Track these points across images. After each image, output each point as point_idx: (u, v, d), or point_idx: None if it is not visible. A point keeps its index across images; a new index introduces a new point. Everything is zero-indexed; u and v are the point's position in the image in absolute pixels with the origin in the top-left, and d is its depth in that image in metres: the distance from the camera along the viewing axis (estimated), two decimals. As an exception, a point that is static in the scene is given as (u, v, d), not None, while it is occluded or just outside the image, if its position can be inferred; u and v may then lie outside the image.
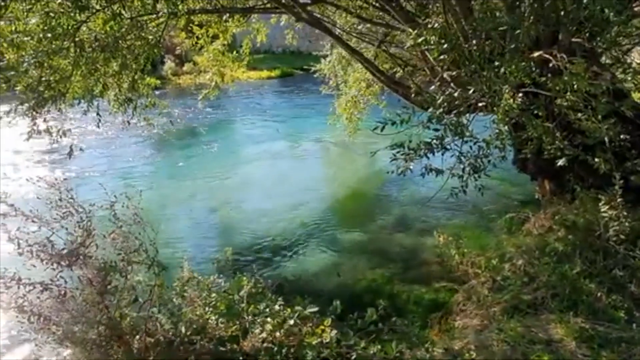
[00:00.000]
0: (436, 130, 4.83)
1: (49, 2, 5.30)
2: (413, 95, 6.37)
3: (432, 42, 5.22)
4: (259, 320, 4.28)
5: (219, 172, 12.23)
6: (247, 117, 18.04)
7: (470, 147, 4.83)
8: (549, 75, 5.10)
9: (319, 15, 8.54)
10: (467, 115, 5.15)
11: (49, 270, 4.13)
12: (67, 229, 4.07)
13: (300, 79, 23.01)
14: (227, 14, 8.66)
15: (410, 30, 5.79)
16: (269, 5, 8.11)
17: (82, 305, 3.93)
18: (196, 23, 8.87)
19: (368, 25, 9.00)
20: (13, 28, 5.17)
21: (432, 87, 6.04)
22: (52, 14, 5.27)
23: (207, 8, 7.95)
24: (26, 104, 5.57)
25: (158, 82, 15.47)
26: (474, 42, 5.19)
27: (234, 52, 9.70)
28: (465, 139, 4.88)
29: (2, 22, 4.97)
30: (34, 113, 5.73)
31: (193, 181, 11.63)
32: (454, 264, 6.86)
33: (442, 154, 4.90)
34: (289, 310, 4.33)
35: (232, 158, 13.57)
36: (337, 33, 8.50)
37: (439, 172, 4.82)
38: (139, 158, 13.55)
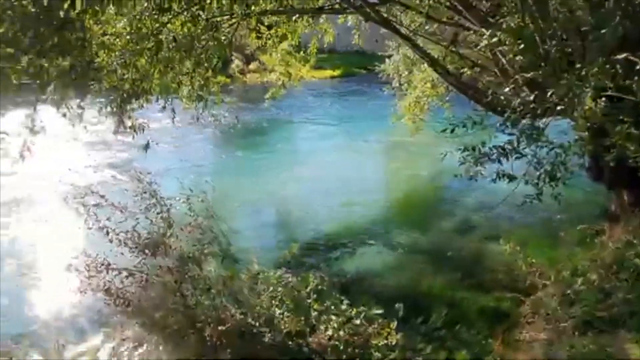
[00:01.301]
0: (509, 134, 4.68)
1: (136, 6, 5.65)
2: (486, 97, 6.20)
3: (506, 42, 5.05)
4: (324, 318, 4.35)
5: (283, 169, 12.49)
6: (309, 116, 18.25)
7: (547, 153, 4.64)
8: (636, 78, 4.79)
9: (386, 15, 8.49)
10: (543, 119, 4.95)
11: (131, 257, 4.45)
12: (150, 220, 4.34)
13: (363, 79, 22.92)
14: (297, 15, 8.81)
15: (484, 30, 5.64)
16: (338, 6, 8.16)
17: (162, 292, 4.18)
18: (266, 24, 9.09)
19: (436, 25, 8.83)
20: (104, 31, 5.56)
21: (505, 89, 5.85)
22: (138, 17, 5.61)
23: (278, 9, 8.12)
24: (114, 101, 5.98)
25: (228, 80, 15.96)
26: (553, 42, 4.97)
27: (301, 52, 9.84)
28: (540, 144, 4.70)
29: (95, 26, 5.35)
30: (120, 109, 6.15)
31: (258, 177, 11.95)
32: (521, 273, 6.59)
33: (515, 159, 4.74)
34: (354, 309, 4.37)
35: (294, 156, 13.81)
36: (404, 33, 8.41)
37: (512, 178, 4.66)
38: (206, 154, 14.11)
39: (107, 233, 4.20)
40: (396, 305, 4.79)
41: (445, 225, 9.01)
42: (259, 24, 9.38)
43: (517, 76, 6.00)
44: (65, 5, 4.02)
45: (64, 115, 4.54)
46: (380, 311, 4.42)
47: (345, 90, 22.50)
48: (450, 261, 7.68)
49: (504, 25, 5.19)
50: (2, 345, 4.50)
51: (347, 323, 4.32)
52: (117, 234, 4.19)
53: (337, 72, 25.17)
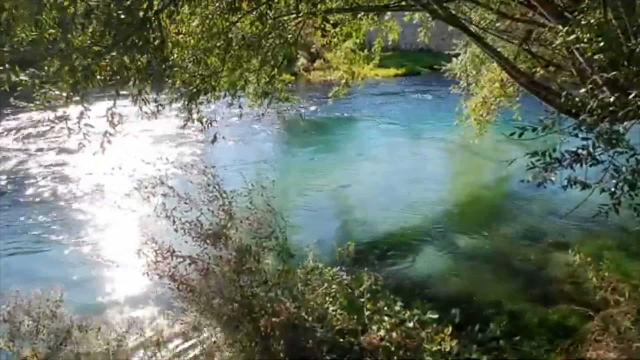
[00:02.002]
0: (584, 139, 4.40)
1: (208, 5, 5.89)
2: (559, 99, 5.86)
3: (585, 39, 4.74)
4: (377, 318, 4.34)
5: (344, 167, 12.55)
6: (372, 114, 18.16)
7: (627, 160, 4.32)
8: None
9: (455, 13, 8.24)
10: (623, 123, 4.60)
11: (194, 246, 4.67)
12: (212, 211, 4.53)
13: (428, 78, 22.48)
14: (362, 13, 8.78)
15: (560, 26, 5.33)
16: (404, 3, 8.04)
17: (221, 282, 4.35)
18: (331, 22, 9.13)
19: (508, 22, 8.46)
20: (178, 30, 5.85)
21: (582, 90, 5.50)
22: (209, 16, 5.85)
23: (344, 7, 8.14)
24: (184, 97, 6.29)
25: (292, 78, 16.23)
26: (638, 40, 4.60)
27: (365, 51, 9.79)
28: (619, 149, 4.38)
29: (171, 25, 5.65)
30: (190, 105, 6.45)
31: (319, 174, 12.10)
32: (591, 287, 6.19)
33: (590, 166, 4.45)
34: (408, 312, 4.31)
35: (356, 154, 13.81)
36: (473, 30, 8.12)
37: (585, 185, 4.38)
38: (269, 150, 14.46)
39: (173, 222, 4.44)
40: (452, 311, 4.67)
41: (510, 232, 8.64)
42: (324, 22, 9.45)
43: (595, 76, 5.62)
44: (144, 6, 4.30)
45: (140, 109, 4.84)
46: (435, 316, 4.33)
47: (409, 89, 22.15)
48: (512, 269, 7.37)
49: (583, 21, 4.89)
50: (77, 319, 4.89)
51: (400, 325, 4.28)
52: (182, 224, 4.43)
53: (401, 71, 24.83)
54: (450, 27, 7.72)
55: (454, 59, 11.20)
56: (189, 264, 4.42)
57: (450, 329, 4.20)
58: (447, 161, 13.76)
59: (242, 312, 4.38)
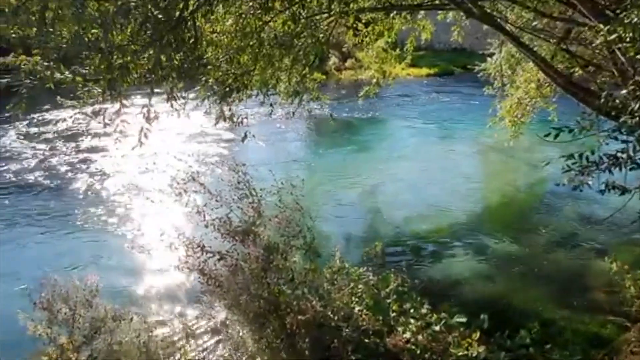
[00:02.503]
0: (624, 141, 4.24)
1: (242, 5, 5.97)
2: (598, 100, 5.66)
3: (627, 39, 4.56)
4: (403, 320, 4.30)
5: (374, 167, 12.50)
6: (403, 115, 18.00)
7: (672, 165, 4.13)
8: None
9: (490, 11, 8.07)
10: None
11: (223, 242, 4.75)
12: (242, 209, 4.60)
13: (460, 78, 22.12)
14: (395, 12, 8.70)
15: (601, 25, 5.15)
16: (438, 2, 7.93)
17: (249, 278, 4.42)
18: (363, 21, 9.10)
19: (546, 20, 8.22)
20: (212, 29, 5.95)
21: (623, 91, 5.30)
22: (243, 16, 5.93)
23: (376, 6, 8.09)
24: (217, 95, 6.40)
25: (323, 77, 16.26)
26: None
27: (397, 50, 9.71)
28: (663, 154, 4.20)
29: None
30: (222, 103, 6.55)
31: (349, 174, 12.08)
32: (628, 296, 5.95)
33: (629, 170, 4.28)
34: (434, 315, 4.26)
35: (387, 154, 13.72)
36: (509, 30, 7.93)
37: (624, 190, 4.22)
38: (299, 149, 14.54)
39: (204, 218, 4.54)
40: (481, 316, 4.58)
41: (543, 236, 8.41)
42: (356, 22, 9.42)
43: (638, 77, 5.41)
44: (180, 6, 4.40)
45: (172, 106, 4.95)
46: (463, 319, 4.26)
47: (442, 89, 21.84)
48: (545, 275, 7.17)
49: (626, 20, 4.70)
50: (111, 309, 5.05)
51: (427, 328, 4.23)
52: (212, 220, 4.51)
53: (433, 71, 24.50)
54: (485, 26, 7.57)
55: (488, 59, 10.97)
56: (218, 260, 4.51)
57: (478, 334, 4.12)
58: (480, 162, 13.49)
59: (269, 308, 4.44)
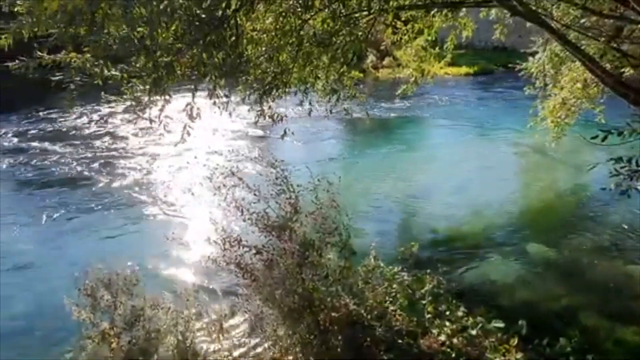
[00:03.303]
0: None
1: (282, 3, 6.03)
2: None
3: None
4: (438, 322, 4.25)
5: (411, 166, 12.38)
6: (441, 114, 17.72)
7: None
8: None
9: (535, 8, 7.82)
10: None
11: (259, 237, 4.83)
12: (279, 204, 4.67)
13: (501, 77, 21.57)
14: (435, 9, 8.56)
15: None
16: (480, -1, 7.76)
17: (284, 273, 4.47)
18: (402, 19, 8.99)
19: (595, 18, 7.90)
20: (253, 27, 6.04)
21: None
22: (283, 14, 5.99)
23: (416, 4, 7.99)
24: (257, 93, 6.49)
25: (361, 75, 16.20)
26: None
27: (437, 48, 9.55)
28: None
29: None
30: (262, 100, 6.64)
31: (386, 173, 12.01)
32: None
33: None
34: (471, 318, 4.19)
35: (424, 154, 13.57)
36: (555, 27, 7.67)
37: (676, 197, 4.04)
38: (336, 147, 14.56)
39: (242, 212, 4.63)
40: (519, 322, 4.47)
41: (586, 242, 8.11)
42: (395, 20, 9.32)
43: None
44: (223, 5, 4.50)
45: (214, 104, 5.06)
46: (500, 325, 4.17)
47: (481, 88, 21.36)
48: (587, 282, 6.92)
49: (683, 19, 4.48)
50: (150, 298, 5.21)
51: (463, 332, 4.17)
52: (250, 214, 4.60)
53: (473, 69, 23.99)
54: (528, 24, 7.35)
55: (530, 58, 10.64)
56: (255, 254, 4.58)
57: (517, 340, 4.03)
58: (521, 164, 13.13)
59: (303, 304, 4.48)
